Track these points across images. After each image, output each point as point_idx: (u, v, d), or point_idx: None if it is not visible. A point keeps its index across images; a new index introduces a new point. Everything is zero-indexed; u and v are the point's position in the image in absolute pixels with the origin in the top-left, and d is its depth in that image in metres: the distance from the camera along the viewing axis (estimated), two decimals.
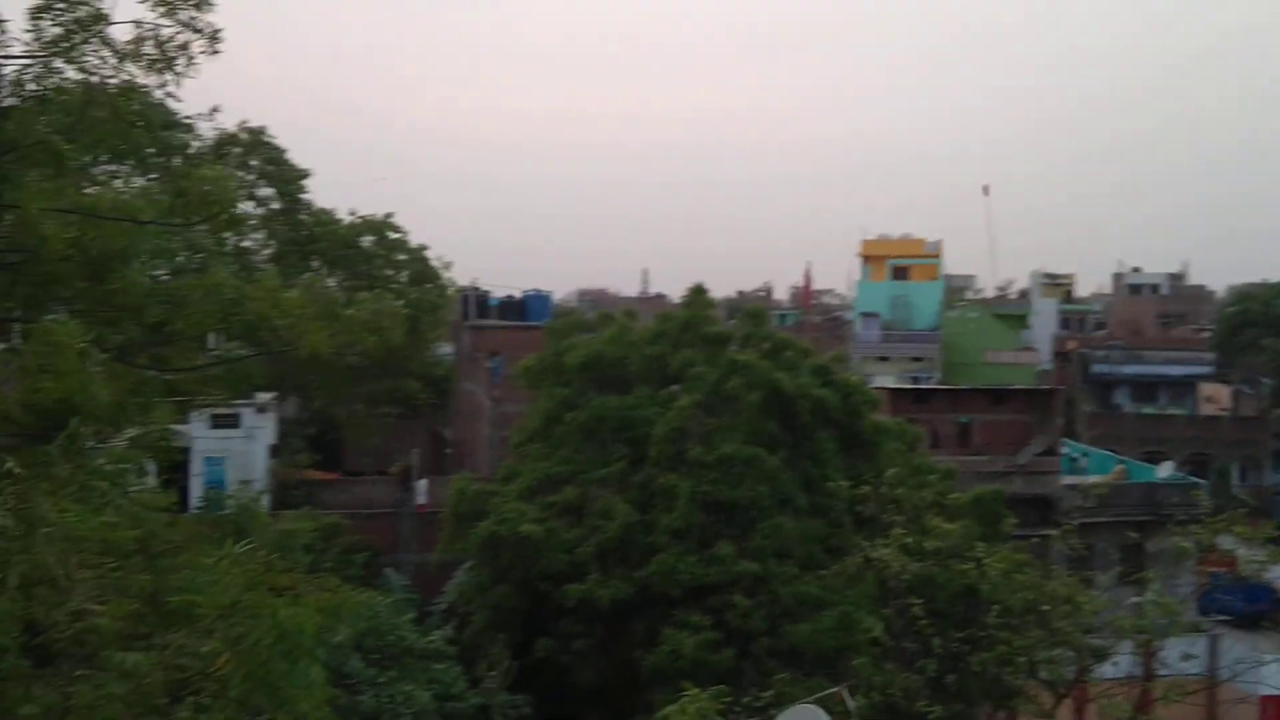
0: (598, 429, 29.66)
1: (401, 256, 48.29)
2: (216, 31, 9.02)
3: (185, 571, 5.58)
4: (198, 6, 9.01)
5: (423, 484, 37.55)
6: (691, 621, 25.30)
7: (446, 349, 52.49)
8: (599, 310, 41.63)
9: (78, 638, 5.10)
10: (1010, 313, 72.87)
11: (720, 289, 71.83)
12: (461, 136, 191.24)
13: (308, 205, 47.07)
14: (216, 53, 9.08)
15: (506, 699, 25.63)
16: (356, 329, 9.63)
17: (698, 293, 32.66)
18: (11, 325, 8.32)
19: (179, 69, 9.02)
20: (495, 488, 30.24)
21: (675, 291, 52.70)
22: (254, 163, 45.65)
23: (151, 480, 9.07)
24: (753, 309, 34.94)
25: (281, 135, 46.26)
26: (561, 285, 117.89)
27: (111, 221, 8.41)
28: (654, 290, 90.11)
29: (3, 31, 8.74)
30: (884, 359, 63.71)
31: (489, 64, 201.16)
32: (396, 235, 48.17)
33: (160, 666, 5.31)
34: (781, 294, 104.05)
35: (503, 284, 66.64)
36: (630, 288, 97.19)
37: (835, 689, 15.80)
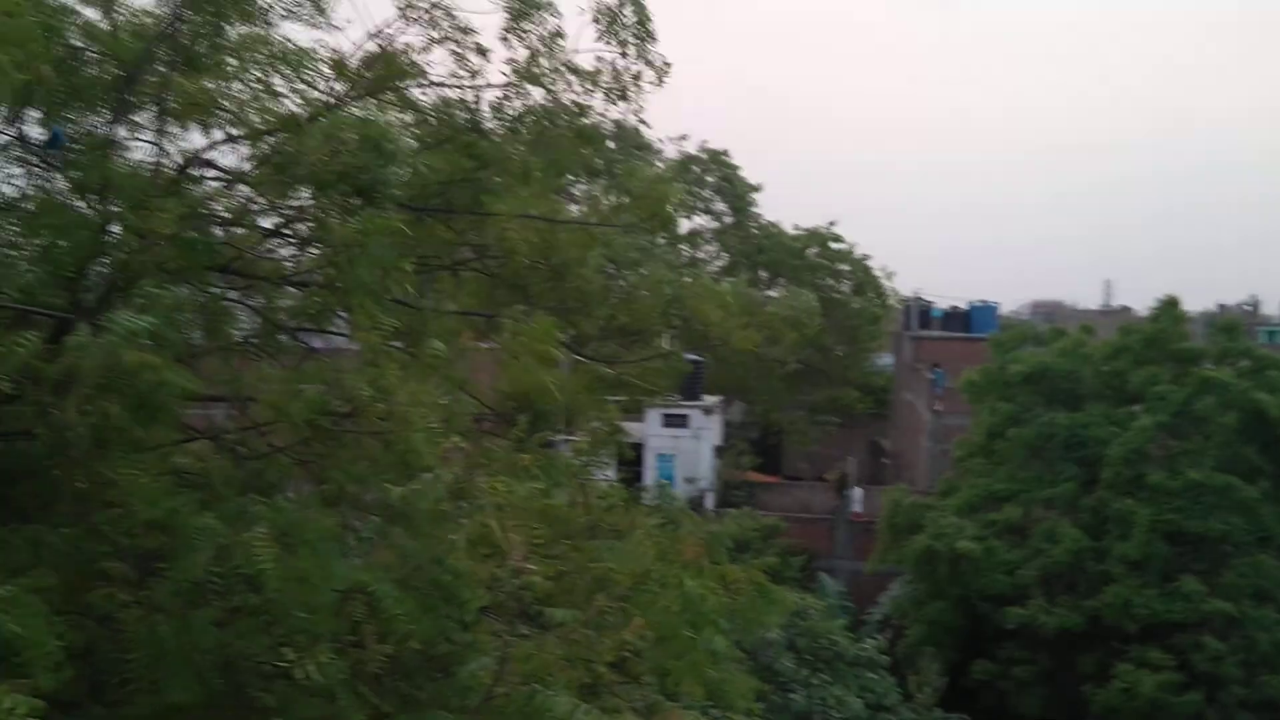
0: (1045, 447, 28.22)
1: (844, 266, 48.63)
2: (666, 64, 9.52)
3: (607, 544, 6.07)
4: (648, 40, 9.55)
5: (858, 492, 37.55)
6: (1151, 659, 23.62)
7: (887, 359, 52.05)
8: (1050, 325, 39.20)
9: (515, 593, 5.75)
10: None
11: (1197, 302, 64.27)
12: (919, 141, 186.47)
13: (757, 218, 48.97)
14: (664, 84, 9.60)
15: (941, 716, 24.94)
16: (776, 325, 9.94)
17: (1169, 305, 29.72)
18: (491, 324, 9.30)
19: (632, 98, 9.65)
20: (932, 501, 29.78)
21: (1143, 304, 48.08)
22: (710, 179, 48.34)
23: (610, 473, 9.77)
24: (1227, 322, 31.30)
25: (732, 142, 48.26)
26: (1012, 296, 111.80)
27: (567, 228, 9.18)
28: (1118, 303, 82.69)
29: (488, 61, 9.77)
30: None
31: (942, 61, 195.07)
32: (840, 246, 48.61)
33: (587, 626, 5.83)
34: (1271, 308, 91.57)
35: (948, 294, 64.63)
36: (1091, 300, 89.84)
37: None
